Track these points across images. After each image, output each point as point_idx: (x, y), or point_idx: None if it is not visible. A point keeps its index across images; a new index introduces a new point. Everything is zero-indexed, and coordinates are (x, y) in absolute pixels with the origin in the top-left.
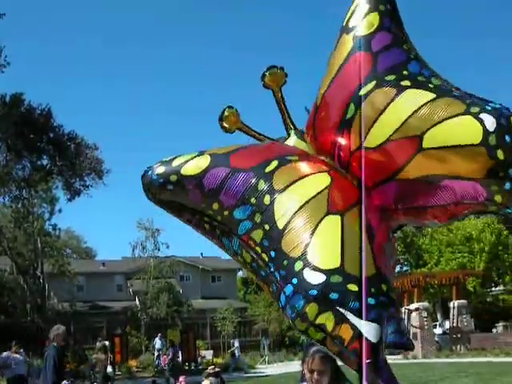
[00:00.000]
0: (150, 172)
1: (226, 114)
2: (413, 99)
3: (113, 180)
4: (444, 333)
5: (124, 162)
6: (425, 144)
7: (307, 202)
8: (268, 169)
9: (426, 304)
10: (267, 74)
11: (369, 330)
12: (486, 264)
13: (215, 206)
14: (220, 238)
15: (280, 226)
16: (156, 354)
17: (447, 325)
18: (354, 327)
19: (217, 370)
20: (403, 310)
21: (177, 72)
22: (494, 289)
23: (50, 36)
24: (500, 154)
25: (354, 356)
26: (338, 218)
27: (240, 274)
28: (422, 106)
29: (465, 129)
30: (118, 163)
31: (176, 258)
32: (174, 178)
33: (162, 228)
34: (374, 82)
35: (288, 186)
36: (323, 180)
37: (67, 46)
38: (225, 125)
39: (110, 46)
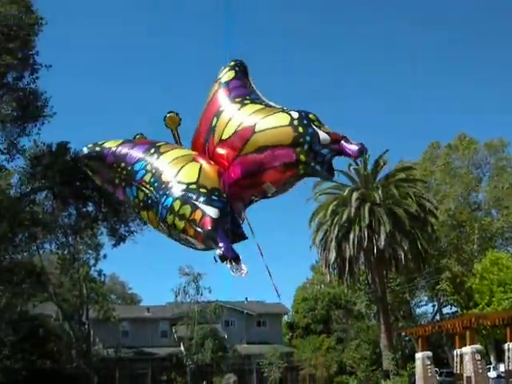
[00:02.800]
0: (83, 147)
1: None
2: (250, 108)
3: None
4: (499, 376)
5: None
6: (256, 129)
7: (178, 157)
8: (158, 144)
9: (478, 346)
10: (167, 116)
11: (210, 211)
12: None
13: (122, 164)
14: (124, 188)
15: (161, 168)
16: None
17: (502, 368)
18: (202, 211)
19: None
20: (455, 353)
21: None
22: None
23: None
24: (300, 129)
25: (202, 229)
26: (199, 164)
27: (285, 318)
28: (256, 110)
29: (280, 118)
30: None
31: (220, 302)
32: (98, 149)
33: (204, 272)
34: (228, 102)
35: (168, 151)
36: (188, 153)
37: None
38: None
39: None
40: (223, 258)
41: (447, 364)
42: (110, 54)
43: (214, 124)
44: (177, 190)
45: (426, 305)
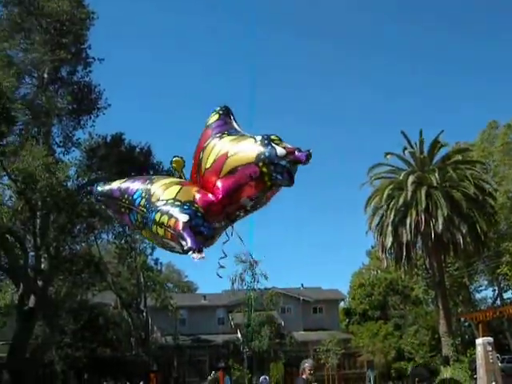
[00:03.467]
0: (95, 186)
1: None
2: (227, 139)
3: None
4: None
5: None
6: (229, 154)
7: (166, 183)
8: (152, 177)
9: None
10: (173, 160)
11: (181, 216)
12: None
13: (126, 196)
14: (129, 215)
15: (151, 192)
16: None
17: None
18: (175, 218)
19: None
20: None
21: None
22: None
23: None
24: (261, 148)
25: (176, 232)
26: (179, 186)
27: (342, 304)
28: (231, 140)
29: (247, 142)
30: None
31: (276, 289)
32: (107, 187)
33: (261, 259)
34: (211, 138)
35: (159, 180)
36: (177, 180)
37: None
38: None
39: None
40: (189, 249)
41: (509, 350)
42: (164, 47)
43: (200, 157)
44: (158, 206)
45: (485, 289)
